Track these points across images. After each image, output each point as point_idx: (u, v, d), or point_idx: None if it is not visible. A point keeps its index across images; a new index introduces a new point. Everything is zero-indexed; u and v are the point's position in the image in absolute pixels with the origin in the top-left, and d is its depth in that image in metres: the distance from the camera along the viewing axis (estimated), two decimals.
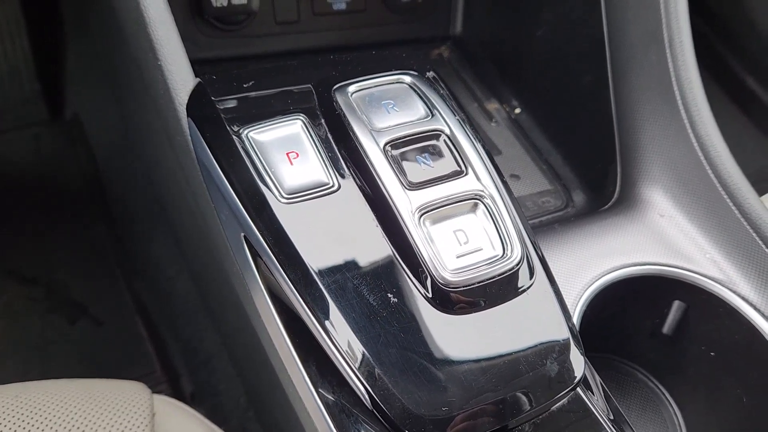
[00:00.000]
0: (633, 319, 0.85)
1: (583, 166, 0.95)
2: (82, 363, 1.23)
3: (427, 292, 0.58)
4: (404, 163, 0.62)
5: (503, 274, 0.60)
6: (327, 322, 0.56)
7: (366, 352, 0.56)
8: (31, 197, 1.39)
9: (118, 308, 1.29)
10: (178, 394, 1.21)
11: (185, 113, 0.64)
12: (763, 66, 1.71)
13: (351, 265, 0.58)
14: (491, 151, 0.75)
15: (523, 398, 0.58)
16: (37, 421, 0.66)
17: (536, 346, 0.60)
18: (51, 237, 1.34)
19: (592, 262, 0.78)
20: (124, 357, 1.26)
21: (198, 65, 0.68)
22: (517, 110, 1.03)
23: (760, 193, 0.88)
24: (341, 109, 0.63)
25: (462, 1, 1.10)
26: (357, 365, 0.56)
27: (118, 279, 1.32)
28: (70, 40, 1.26)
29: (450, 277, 0.58)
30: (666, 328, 0.83)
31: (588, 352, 0.64)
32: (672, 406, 0.86)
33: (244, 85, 0.66)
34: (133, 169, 1.04)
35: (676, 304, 0.82)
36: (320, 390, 0.58)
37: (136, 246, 1.22)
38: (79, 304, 1.28)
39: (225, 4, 0.92)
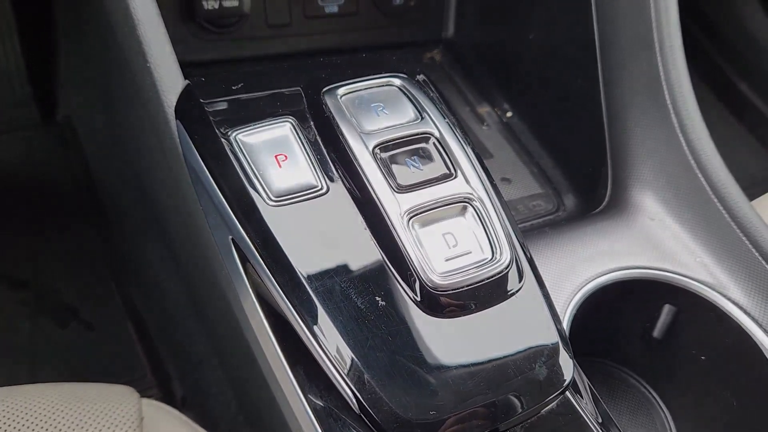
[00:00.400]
0: (623, 323, 0.85)
1: (574, 170, 0.95)
2: (72, 367, 1.23)
3: (416, 295, 0.58)
4: (393, 166, 0.61)
5: (492, 277, 0.60)
6: (315, 326, 0.56)
7: (354, 356, 0.55)
8: (22, 200, 1.39)
9: (109, 312, 1.28)
10: (168, 398, 1.20)
11: (174, 115, 0.64)
12: (757, 72, 1.72)
13: (339, 269, 0.58)
14: (482, 155, 0.75)
15: (512, 402, 0.58)
16: (23, 425, 0.65)
17: (525, 349, 0.60)
18: (42, 240, 1.34)
19: (582, 265, 0.78)
20: (115, 361, 1.25)
21: (189, 68, 0.68)
22: (509, 114, 1.03)
23: (752, 197, 0.88)
24: (330, 112, 0.63)
25: (454, 5, 1.10)
26: (344, 369, 0.55)
27: (108, 283, 1.31)
28: (62, 43, 1.26)
29: (438, 280, 0.58)
30: (656, 332, 0.83)
31: (578, 356, 0.64)
32: (663, 410, 0.86)
33: (233, 87, 0.66)
34: (124, 172, 1.04)
35: (667, 308, 0.82)
36: (308, 394, 0.57)
37: (127, 249, 1.22)
38: (70, 307, 1.28)
39: (216, 6, 0.92)
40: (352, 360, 0.55)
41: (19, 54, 1.40)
